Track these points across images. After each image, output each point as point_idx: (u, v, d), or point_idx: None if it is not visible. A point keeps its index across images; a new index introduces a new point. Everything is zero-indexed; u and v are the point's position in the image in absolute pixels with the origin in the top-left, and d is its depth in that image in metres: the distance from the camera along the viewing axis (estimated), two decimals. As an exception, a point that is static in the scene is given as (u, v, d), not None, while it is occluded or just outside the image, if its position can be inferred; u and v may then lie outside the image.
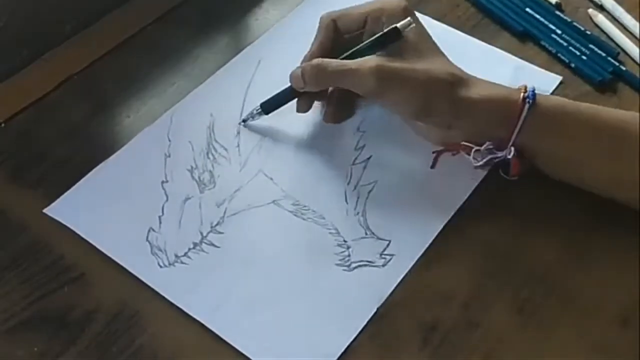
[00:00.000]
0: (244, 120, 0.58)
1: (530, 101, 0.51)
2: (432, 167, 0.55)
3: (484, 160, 0.53)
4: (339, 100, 0.58)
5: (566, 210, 0.53)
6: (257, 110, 0.58)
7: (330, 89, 0.58)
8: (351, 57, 0.54)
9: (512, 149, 0.52)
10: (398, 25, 0.53)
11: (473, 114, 0.52)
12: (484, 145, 0.53)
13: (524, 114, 0.51)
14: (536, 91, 0.52)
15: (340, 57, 0.54)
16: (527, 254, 0.51)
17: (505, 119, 0.51)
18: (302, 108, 0.57)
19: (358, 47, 0.54)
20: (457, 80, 0.52)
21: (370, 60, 0.52)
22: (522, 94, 0.51)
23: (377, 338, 0.47)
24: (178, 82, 0.62)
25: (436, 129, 0.54)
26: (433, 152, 0.55)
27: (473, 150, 0.53)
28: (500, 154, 0.52)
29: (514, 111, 0.51)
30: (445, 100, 0.52)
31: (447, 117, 0.52)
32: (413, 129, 0.56)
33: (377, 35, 0.54)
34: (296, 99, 0.57)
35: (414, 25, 0.53)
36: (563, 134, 0.51)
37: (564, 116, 0.52)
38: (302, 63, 0.56)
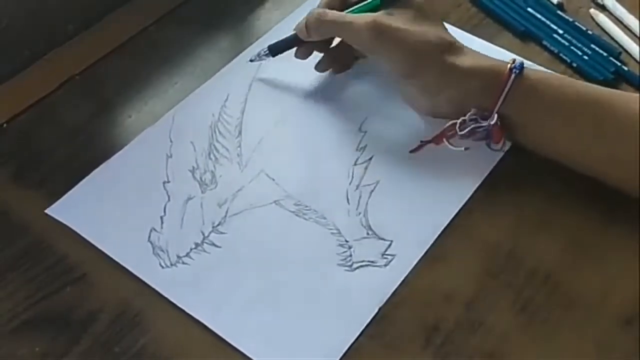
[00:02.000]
0: (250, 60, 0.61)
1: (517, 71, 0.52)
2: (411, 151, 0.56)
3: (468, 129, 0.54)
4: (335, 53, 0.60)
5: (568, 210, 0.53)
6: (264, 51, 0.60)
7: (334, 43, 0.60)
8: (358, 12, 0.56)
9: (496, 116, 0.52)
10: None
11: (459, 80, 0.53)
12: (468, 114, 0.53)
13: (509, 84, 0.52)
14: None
15: (349, 11, 0.57)
16: (529, 254, 0.51)
17: (491, 88, 0.52)
18: (301, 55, 0.60)
19: (366, 2, 0.56)
20: (448, 47, 0.54)
21: (368, 16, 0.54)
22: (509, 65, 0.52)
23: (379, 338, 0.47)
24: (180, 82, 0.62)
25: (424, 96, 0.55)
26: (420, 142, 0.56)
27: (459, 119, 0.54)
28: (484, 123, 0.53)
29: (499, 80, 0.52)
30: (434, 64, 0.53)
31: (435, 82, 0.54)
32: (402, 95, 0.57)
33: None
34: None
35: None
36: (547, 107, 0.52)
37: (549, 89, 0.52)
38: (318, 6, 0.59)
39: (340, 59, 0.61)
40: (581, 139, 0.52)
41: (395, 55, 0.54)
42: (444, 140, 0.55)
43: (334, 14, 0.56)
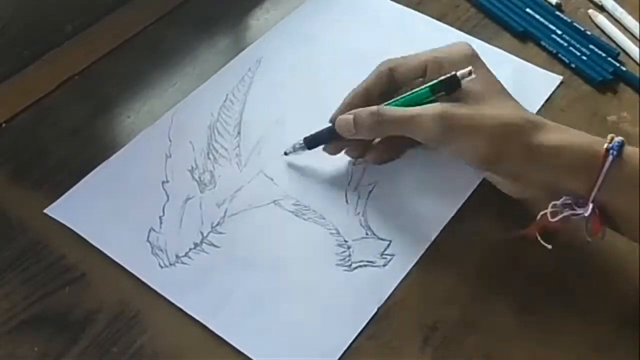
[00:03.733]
0: (285, 153, 0.56)
1: (615, 153, 0.45)
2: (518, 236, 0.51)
3: (561, 216, 0.47)
4: (387, 145, 0.55)
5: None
6: (300, 144, 0.55)
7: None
8: (402, 104, 0.51)
9: (591, 206, 0.46)
10: (457, 73, 0.49)
11: (547, 160, 0.47)
12: (561, 200, 0.47)
13: (606, 166, 0.45)
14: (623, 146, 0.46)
15: (388, 104, 0.52)
16: (527, 254, 0.51)
17: (585, 171, 0.46)
18: (333, 150, 0.55)
19: (410, 93, 0.51)
20: (532, 125, 0.48)
21: (434, 107, 0.49)
22: (606, 144, 0.46)
23: (377, 338, 0.47)
24: (179, 82, 0.62)
25: (509, 181, 0.50)
26: (513, 233, 0.51)
27: (550, 204, 0.48)
28: (579, 211, 0.47)
29: (595, 163, 0.46)
30: (518, 147, 0.47)
31: (519, 165, 0.48)
32: (485, 176, 0.53)
33: (432, 82, 0.50)
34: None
35: (474, 76, 0.49)
36: None
37: None
38: (342, 105, 0.53)
39: (385, 153, 0.55)
40: None
41: (473, 145, 0.48)
42: (537, 233, 0.49)
43: (392, 110, 0.50)
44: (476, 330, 0.48)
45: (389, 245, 0.52)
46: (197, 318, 0.48)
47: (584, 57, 0.64)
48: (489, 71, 0.52)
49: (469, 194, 0.54)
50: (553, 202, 0.48)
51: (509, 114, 0.49)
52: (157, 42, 0.66)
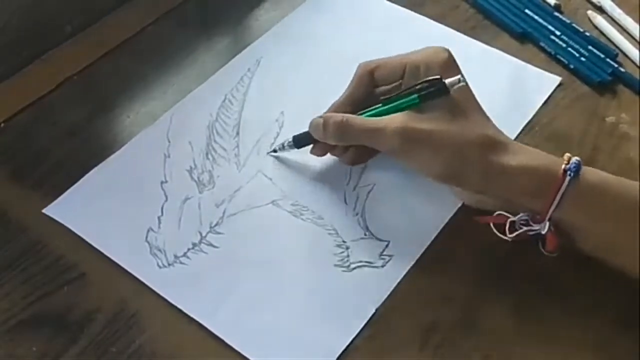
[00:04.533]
0: (274, 150, 0.56)
1: (572, 174, 0.47)
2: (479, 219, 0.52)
3: (517, 232, 0.50)
4: (353, 154, 0.54)
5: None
6: (289, 142, 0.56)
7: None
8: (387, 112, 0.51)
9: (548, 223, 0.48)
10: (447, 81, 0.49)
11: (506, 182, 0.48)
12: (518, 217, 0.49)
13: (563, 187, 0.47)
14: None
15: (376, 110, 0.52)
16: (526, 255, 0.51)
17: (543, 191, 0.47)
18: (318, 152, 0.55)
19: (397, 102, 0.50)
20: (492, 144, 0.48)
21: (396, 119, 0.49)
22: (563, 165, 0.47)
23: (376, 339, 0.47)
24: (178, 83, 0.62)
25: (467, 194, 0.52)
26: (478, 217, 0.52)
27: (508, 221, 0.50)
28: (536, 227, 0.49)
29: (552, 183, 0.47)
30: (476, 166, 0.48)
31: (477, 183, 0.49)
32: (448, 188, 0.53)
33: (422, 92, 0.49)
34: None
35: (463, 84, 0.49)
36: (604, 214, 0.47)
37: (607, 195, 0.47)
38: (328, 111, 0.54)
39: (357, 159, 0.55)
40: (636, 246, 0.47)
41: (430, 160, 0.48)
42: (493, 227, 0.51)
43: (357, 120, 0.51)
44: (475, 331, 0.48)
45: (387, 245, 0.52)
46: (196, 318, 0.48)
47: (583, 58, 0.64)
48: (465, 82, 0.51)
49: (467, 194, 0.54)
50: (511, 219, 0.49)
51: (471, 131, 0.48)
52: (157, 42, 0.66)
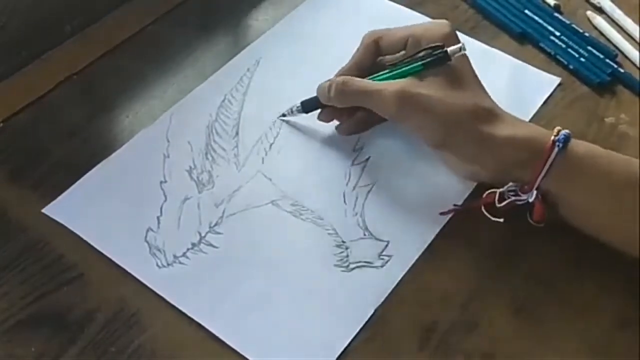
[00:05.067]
0: (283, 115, 0.58)
1: (560, 145, 0.48)
2: (441, 213, 0.53)
3: (507, 201, 0.51)
4: (360, 119, 0.57)
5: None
6: (297, 107, 0.58)
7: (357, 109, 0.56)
8: (392, 77, 0.53)
9: (535, 192, 0.49)
10: (448, 49, 0.51)
11: (496, 151, 0.50)
12: (506, 186, 0.51)
13: (551, 157, 0.48)
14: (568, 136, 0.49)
15: (380, 76, 0.54)
16: (525, 255, 0.51)
17: (531, 161, 0.49)
18: (324, 117, 0.57)
19: (402, 68, 0.53)
20: (486, 114, 0.50)
21: (395, 84, 0.51)
22: (552, 137, 0.49)
23: (375, 339, 0.48)
24: (177, 83, 0.62)
25: (459, 164, 0.52)
26: (454, 206, 0.53)
27: (498, 192, 0.51)
28: (523, 197, 0.50)
29: (541, 153, 0.48)
30: (467, 134, 0.50)
31: (469, 152, 0.50)
32: (440, 158, 0.54)
33: (425, 60, 0.51)
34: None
35: (465, 52, 0.51)
36: (591, 184, 0.49)
37: (595, 165, 0.49)
38: (335, 77, 0.56)
39: (362, 125, 0.57)
40: (628, 221, 0.48)
41: (425, 125, 0.51)
42: (482, 209, 0.52)
43: (359, 82, 0.53)
44: (474, 331, 0.48)
45: (386, 245, 0.52)
46: (195, 318, 0.48)
47: (582, 59, 0.64)
48: (464, 54, 0.53)
49: (467, 194, 0.54)
50: (500, 191, 0.51)
51: (465, 101, 0.50)
52: (156, 42, 0.66)
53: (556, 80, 0.63)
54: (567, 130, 0.49)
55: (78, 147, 0.58)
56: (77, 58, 0.64)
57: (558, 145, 0.48)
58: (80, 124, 0.59)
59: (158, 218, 0.53)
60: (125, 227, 0.52)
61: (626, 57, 0.65)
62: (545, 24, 0.67)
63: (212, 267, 0.50)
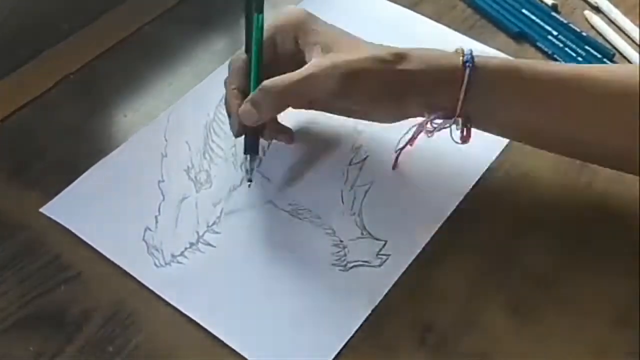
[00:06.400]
0: (249, 180, 0.54)
1: (470, 65, 0.49)
2: (394, 168, 0.55)
3: (435, 130, 0.51)
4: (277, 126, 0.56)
5: (563, 210, 0.54)
6: (248, 159, 0.54)
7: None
8: (256, 69, 0.52)
9: (460, 120, 0.50)
10: None
11: (419, 85, 0.50)
12: (431, 117, 0.51)
13: (465, 81, 0.49)
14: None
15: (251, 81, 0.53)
16: (523, 254, 0.51)
17: (447, 86, 0.50)
18: (267, 138, 0.55)
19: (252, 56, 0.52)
20: (401, 56, 0.50)
21: (316, 64, 0.50)
22: (461, 58, 0.50)
23: (373, 338, 0.48)
24: (175, 82, 0.62)
25: (387, 109, 0.53)
26: (395, 152, 0.55)
27: (424, 123, 0.51)
28: (449, 121, 0.51)
29: (454, 77, 0.49)
30: (393, 78, 0.50)
31: (394, 95, 0.51)
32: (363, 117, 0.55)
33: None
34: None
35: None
36: (509, 94, 0.50)
37: (508, 77, 0.50)
38: (230, 110, 0.53)
39: (280, 131, 0.56)
40: (549, 121, 0.50)
41: (369, 89, 0.50)
42: (416, 140, 0.53)
43: (283, 79, 0.50)
44: (472, 330, 0.48)
45: (384, 245, 0.52)
46: (193, 317, 0.48)
47: (580, 58, 0.64)
48: (331, 25, 0.54)
49: (465, 193, 0.54)
50: (425, 120, 0.51)
51: (379, 52, 0.51)
52: (154, 41, 0.66)
53: (554, 79, 0.63)
54: (469, 48, 0.50)
55: (75, 146, 0.58)
56: (75, 57, 0.63)
57: (468, 66, 0.49)
58: (77, 124, 0.59)
59: (156, 217, 0.53)
60: (123, 226, 0.52)
61: (624, 56, 0.65)
62: (543, 24, 0.67)
63: (210, 266, 0.50)
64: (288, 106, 0.53)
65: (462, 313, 0.49)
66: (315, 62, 0.51)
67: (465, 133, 0.51)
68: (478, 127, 0.52)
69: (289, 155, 0.57)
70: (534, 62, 0.52)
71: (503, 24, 0.68)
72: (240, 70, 0.54)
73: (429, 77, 0.50)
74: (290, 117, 0.59)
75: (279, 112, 0.53)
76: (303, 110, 0.56)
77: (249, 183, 0.54)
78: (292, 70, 0.51)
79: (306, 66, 0.51)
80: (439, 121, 0.51)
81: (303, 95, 0.52)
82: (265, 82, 0.51)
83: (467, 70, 0.49)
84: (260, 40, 0.52)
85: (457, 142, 0.52)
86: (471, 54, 0.50)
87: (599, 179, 0.55)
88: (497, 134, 0.53)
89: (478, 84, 0.49)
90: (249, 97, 0.52)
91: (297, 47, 0.53)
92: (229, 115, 0.54)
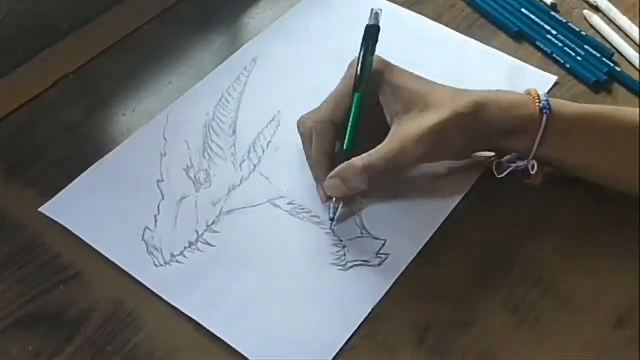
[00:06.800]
0: (331, 219, 0.53)
1: (547, 112, 0.50)
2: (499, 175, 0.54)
3: (507, 172, 0.52)
4: None
5: (562, 210, 0.54)
6: (334, 205, 0.53)
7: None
8: (353, 127, 0.53)
9: (535, 163, 0.51)
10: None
11: (496, 132, 0.51)
12: (505, 158, 0.53)
13: (542, 127, 0.50)
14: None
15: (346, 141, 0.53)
16: (522, 254, 0.51)
17: (524, 132, 0.51)
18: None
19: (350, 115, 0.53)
20: (479, 105, 0.51)
21: (402, 134, 0.51)
22: (537, 105, 0.51)
23: (372, 337, 0.47)
24: (174, 81, 0.62)
25: (464, 154, 0.55)
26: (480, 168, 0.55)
27: (495, 161, 0.53)
28: (521, 164, 0.52)
29: (533, 123, 0.50)
30: (477, 131, 0.51)
31: (481, 145, 0.53)
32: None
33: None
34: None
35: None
36: (583, 142, 0.51)
37: (585, 125, 0.51)
38: (317, 171, 0.54)
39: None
40: (623, 166, 0.51)
41: (460, 145, 0.52)
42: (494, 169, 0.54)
43: (377, 159, 0.51)
44: (471, 330, 0.48)
45: (384, 244, 0.52)
46: (193, 317, 0.48)
47: (579, 58, 0.64)
48: (408, 74, 0.54)
49: (464, 193, 0.54)
50: (498, 160, 0.53)
51: (460, 102, 0.51)
52: (153, 41, 0.66)
53: (553, 79, 0.63)
54: (546, 97, 0.51)
55: (75, 146, 0.58)
56: (74, 57, 0.63)
57: (545, 113, 0.50)
58: (77, 123, 0.59)
59: (155, 217, 0.53)
60: (123, 226, 0.52)
61: (623, 56, 0.65)
62: (542, 23, 0.67)
63: (209, 266, 0.50)
64: (382, 179, 0.52)
65: (462, 312, 0.49)
66: (402, 134, 0.51)
67: (535, 172, 0.51)
68: (547, 166, 0.52)
69: (288, 154, 0.57)
70: (612, 110, 0.52)
71: (502, 23, 0.68)
72: (325, 133, 0.53)
73: (507, 125, 0.51)
74: (287, 116, 0.59)
75: (367, 187, 0.52)
76: (300, 108, 0.57)
77: (331, 222, 0.53)
78: (370, 121, 0.52)
79: (392, 139, 0.51)
80: (511, 162, 0.52)
81: (393, 172, 0.52)
82: (356, 161, 0.51)
83: (544, 118, 0.50)
84: (358, 115, 0.53)
85: (527, 182, 0.52)
86: (547, 100, 0.51)
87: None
88: (566, 173, 0.53)
89: (554, 130, 0.50)
90: (338, 171, 0.52)
91: (377, 100, 0.54)
92: (316, 181, 0.54)
